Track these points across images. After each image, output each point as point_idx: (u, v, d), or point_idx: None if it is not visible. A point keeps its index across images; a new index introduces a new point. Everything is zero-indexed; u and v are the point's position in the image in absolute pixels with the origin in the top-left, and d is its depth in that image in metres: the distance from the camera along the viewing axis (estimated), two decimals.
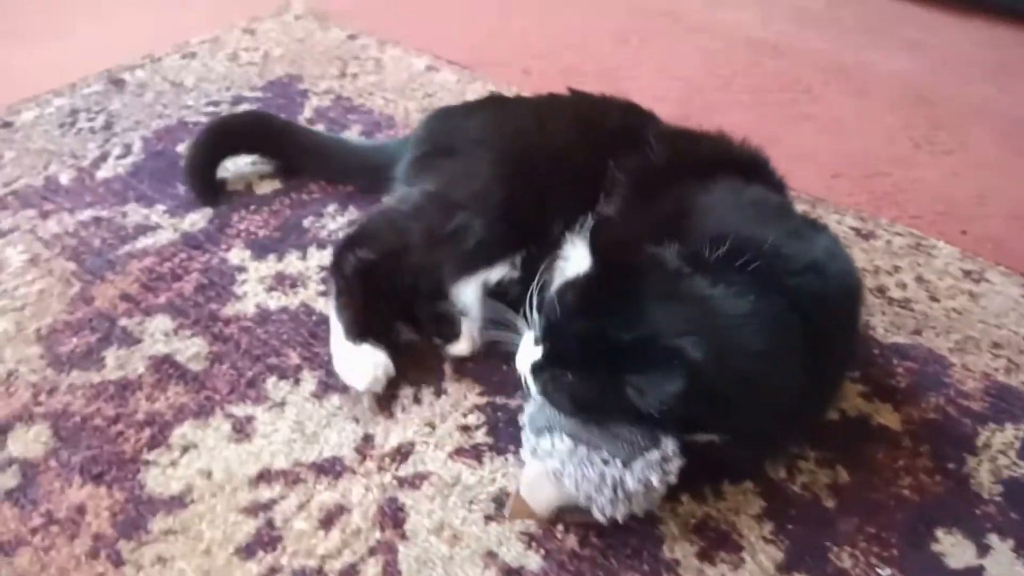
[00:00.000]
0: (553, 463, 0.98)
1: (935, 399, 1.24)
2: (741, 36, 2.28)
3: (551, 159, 1.24)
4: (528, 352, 1.02)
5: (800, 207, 1.46)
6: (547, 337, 1.00)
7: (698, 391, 0.89)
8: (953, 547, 1.05)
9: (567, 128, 1.28)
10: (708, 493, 1.09)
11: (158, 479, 1.07)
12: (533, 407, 1.05)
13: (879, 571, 1.02)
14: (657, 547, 1.03)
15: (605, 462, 0.97)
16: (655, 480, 0.96)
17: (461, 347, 1.23)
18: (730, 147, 1.27)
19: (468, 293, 1.24)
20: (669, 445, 0.98)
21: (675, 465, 0.98)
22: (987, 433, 1.19)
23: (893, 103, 2.03)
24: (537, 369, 1.01)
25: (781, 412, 0.99)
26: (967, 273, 1.47)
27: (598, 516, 0.98)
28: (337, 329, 1.21)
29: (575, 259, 1.19)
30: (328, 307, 1.27)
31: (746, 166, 1.23)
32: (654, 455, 0.97)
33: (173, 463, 1.09)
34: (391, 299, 1.27)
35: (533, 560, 1.01)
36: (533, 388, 1.03)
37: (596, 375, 0.95)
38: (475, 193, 1.23)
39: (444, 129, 1.40)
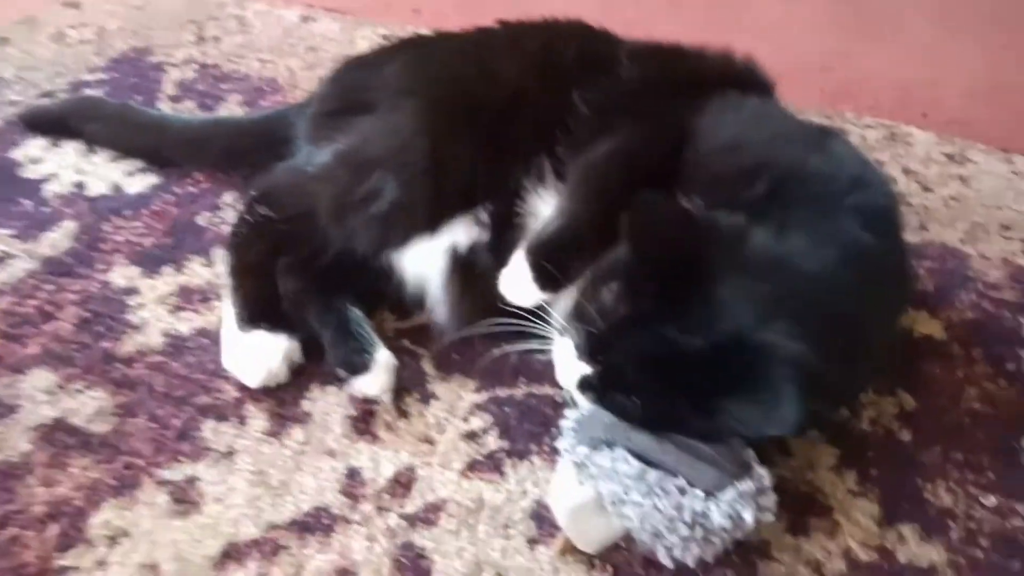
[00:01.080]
0: (611, 487, 0.77)
1: (967, 296, 1.13)
2: None
3: (500, 102, 1.02)
4: (571, 365, 0.81)
5: None
6: (595, 354, 0.78)
7: (809, 387, 0.70)
8: None
9: (515, 64, 1.05)
10: (773, 452, 0.92)
11: None
12: (579, 412, 0.84)
13: (983, 502, 0.89)
14: None
15: (682, 491, 0.76)
16: (748, 516, 0.76)
17: (370, 384, 0.95)
18: (708, 58, 1.08)
19: (424, 265, 1.02)
20: (765, 477, 0.79)
21: (772, 500, 0.79)
22: None
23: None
24: (587, 387, 0.81)
25: (877, 356, 0.84)
26: (950, 157, 1.37)
27: (663, 558, 0.78)
28: (228, 316, 0.99)
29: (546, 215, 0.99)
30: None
31: (737, 75, 1.05)
32: (747, 486, 0.77)
33: (101, 563, 0.81)
34: (315, 279, 1.03)
35: None
36: (584, 401, 0.83)
37: (672, 399, 0.76)
38: (395, 149, 1.01)
39: (357, 82, 1.15)
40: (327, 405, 0.96)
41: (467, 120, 1.01)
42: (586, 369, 0.79)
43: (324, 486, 0.88)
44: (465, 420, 0.94)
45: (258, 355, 0.96)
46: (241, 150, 1.24)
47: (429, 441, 0.92)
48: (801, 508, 0.87)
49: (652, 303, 0.76)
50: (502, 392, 0.97)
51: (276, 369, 0.96)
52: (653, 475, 0.76)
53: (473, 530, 0.84)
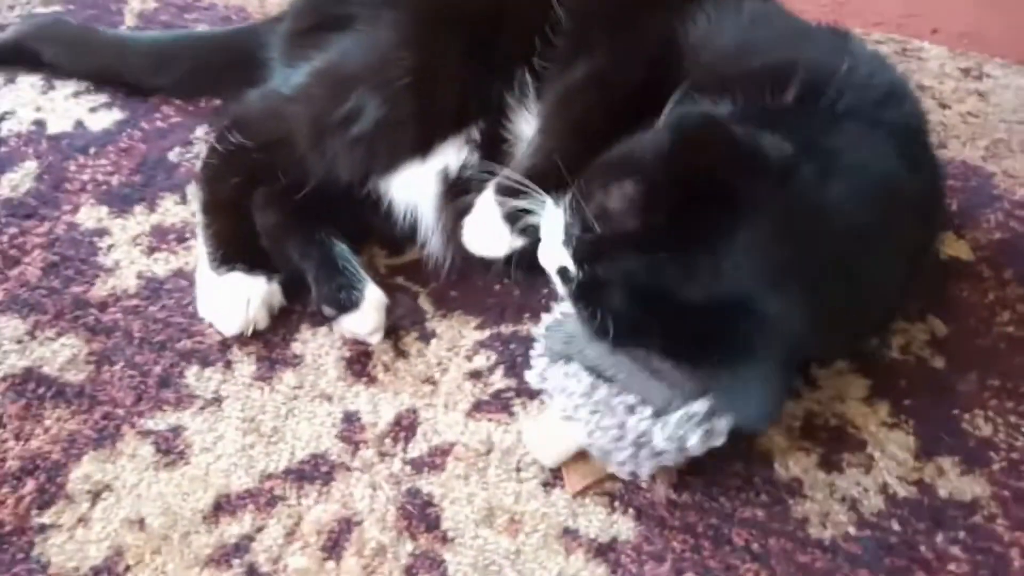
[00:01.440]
0: (563, 401, 0.73)
1: (993, 216, 1.06)
2: None
3: (484, 12, 0.93)
4: (554, 249, 0.74)
5: None
6: (581, 257, 0.71)
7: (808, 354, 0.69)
8: None
9: None
10: (799, 384, 0.86)
11: (66, 549, 0.73)
12: (554, 317, 0.79)
13: None
14: (767, 468, 0.80)
15: (630, 409, 0.71)
16: (694, 440, 0.70)
17: (360, 323, 0.88)
18: None
19: (414, 191, 0.94)
20: None
21: (724, 425, 0.72)
22: None
23: None
24: (565, 278, 0.74)
25: (900, 296, 0.81)
26: (966, 72, 1.29)
27: (618, 472, 0.74)
28: (202, 258, 0.92)
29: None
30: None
31: None
32: (699, 407, 0.71)
33: (83, 520, 0.75)
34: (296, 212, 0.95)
35: (624, 525, 0.75)
36: (561, 289, 0.76)
37: (648, 339, 0.69)
38: (375, 64, 0.92)
39: None
40: (319, 347, 0.89)
41: (451, 31, 0.93)
42: (568, 260, 0.72)
43: (320, 432, 0.81)
44: (468, 359, 0.88)
45: (234, 299, 0.88)
46: (210, 68, 1.15)
47: (431, 382, 0.86)
48: (832, 442, 0.82)
49: (664, 226, 0.67)
50: (505, 329, 0.91)
51: (254, 315, 0.88)
52: (602, 391, 0.72)
53: (483, 474, 0.79)
